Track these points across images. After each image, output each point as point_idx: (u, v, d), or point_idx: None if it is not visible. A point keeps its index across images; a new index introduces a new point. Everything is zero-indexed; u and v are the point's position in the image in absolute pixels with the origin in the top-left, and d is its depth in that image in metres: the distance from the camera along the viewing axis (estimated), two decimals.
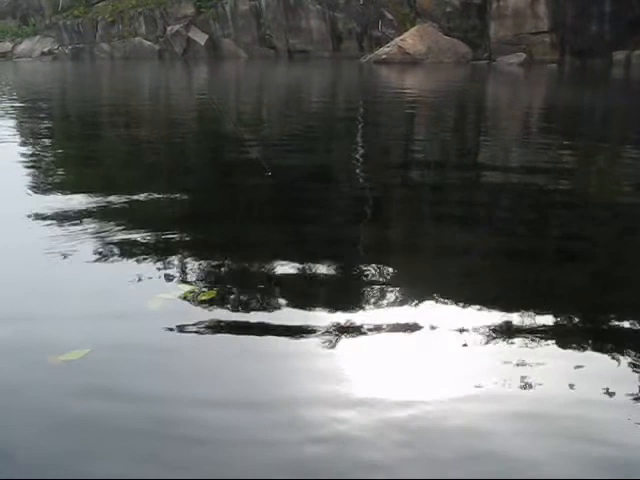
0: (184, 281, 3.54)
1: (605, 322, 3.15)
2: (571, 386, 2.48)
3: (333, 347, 2.80)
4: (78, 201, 5.25)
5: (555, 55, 28.44)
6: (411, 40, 29.45)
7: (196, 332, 2.94)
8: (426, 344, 2.83)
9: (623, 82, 21.36)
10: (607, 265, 3.95)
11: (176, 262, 3.84)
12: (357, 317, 3.07)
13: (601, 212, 5.13)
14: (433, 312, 3.13)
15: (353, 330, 2.94)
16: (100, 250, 4.04)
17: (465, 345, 2.79)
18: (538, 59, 28.05)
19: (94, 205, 5.14)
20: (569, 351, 2.77)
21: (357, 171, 6.74)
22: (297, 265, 3.80)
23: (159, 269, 3.74)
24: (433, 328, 2.94)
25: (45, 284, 3.58)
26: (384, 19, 31.99)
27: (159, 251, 4.04)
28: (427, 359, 2.71)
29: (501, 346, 2.79)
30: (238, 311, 3.20)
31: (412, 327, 2.96)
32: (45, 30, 45.12)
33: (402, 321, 3.02)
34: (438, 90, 17.60)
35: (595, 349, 2.79)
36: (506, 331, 2.92)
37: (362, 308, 3.20)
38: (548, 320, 3.06)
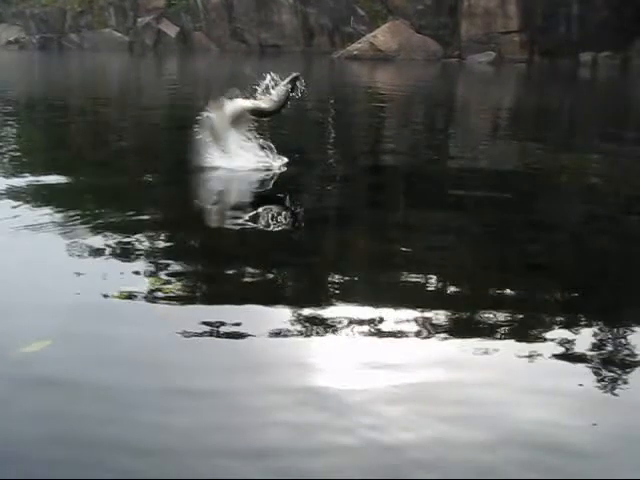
0: (149, 274, 3.55)
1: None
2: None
3: (298, 329, 2.88)
4: (42, 184, 5.26)
5: (524, 54, 28.77)
6: (382, 37, 29.55)
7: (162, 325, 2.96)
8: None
9: (589, 83, 21.70)
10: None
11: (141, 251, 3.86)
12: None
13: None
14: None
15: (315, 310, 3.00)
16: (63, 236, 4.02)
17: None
18: (507, 58, 28.35)
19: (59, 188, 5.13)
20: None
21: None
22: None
23: (124, 259, 3.75)
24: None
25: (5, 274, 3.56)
26: (356, 15, 32.04)
27: (123, 238, 4.05)
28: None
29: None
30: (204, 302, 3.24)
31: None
32: (12, 18, 44.23)
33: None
34: (408, 87, 17.71)
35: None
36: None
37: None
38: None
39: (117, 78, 21.68)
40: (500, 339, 2.89)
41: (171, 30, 36.88)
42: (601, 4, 27.04)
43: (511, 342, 2.88)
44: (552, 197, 5.70)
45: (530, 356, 2.73)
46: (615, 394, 2.47)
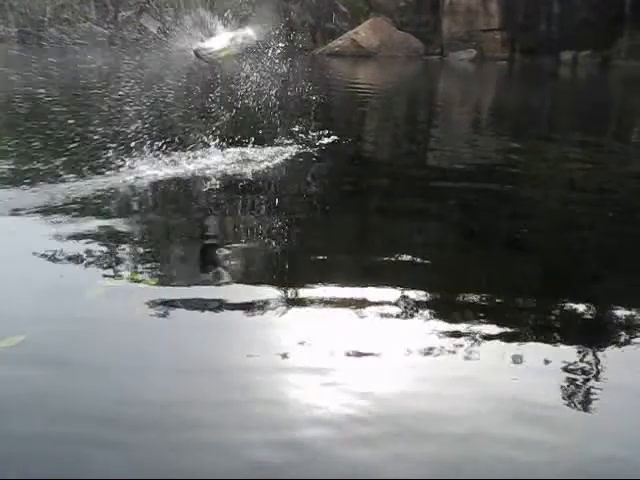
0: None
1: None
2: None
3: (280, 318, 2.92)
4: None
5: (505, 52, 28.87)
6: (364, 33, 29.52)
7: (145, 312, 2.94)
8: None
9: (569, 81, 21.85)
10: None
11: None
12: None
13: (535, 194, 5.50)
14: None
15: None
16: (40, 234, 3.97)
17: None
18: (489, 56, 28.44)
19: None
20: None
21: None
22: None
23: (104, 253, 3.71)
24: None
25: None
26: (338, 12, 31.99)
27: (102, 235, 4.00)
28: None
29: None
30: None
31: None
32: None
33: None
34: (390, 84, 17.71)
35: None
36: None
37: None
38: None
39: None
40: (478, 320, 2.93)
41: (152, 25, 36.61)
42: (581, 3, 27.19)
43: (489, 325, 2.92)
44: (532, 185, 5.92)
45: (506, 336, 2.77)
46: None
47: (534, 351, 2.73)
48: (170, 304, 3.03)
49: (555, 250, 4.16)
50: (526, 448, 2.10)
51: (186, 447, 2.04)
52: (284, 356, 2.60)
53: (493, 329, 2.90)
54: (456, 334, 2.81)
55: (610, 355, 2.75)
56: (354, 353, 2.63)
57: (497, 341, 2.80)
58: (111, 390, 2.35)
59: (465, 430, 2.17)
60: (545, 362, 2.63)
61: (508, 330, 2.92)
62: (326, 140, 6.95)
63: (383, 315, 2.97)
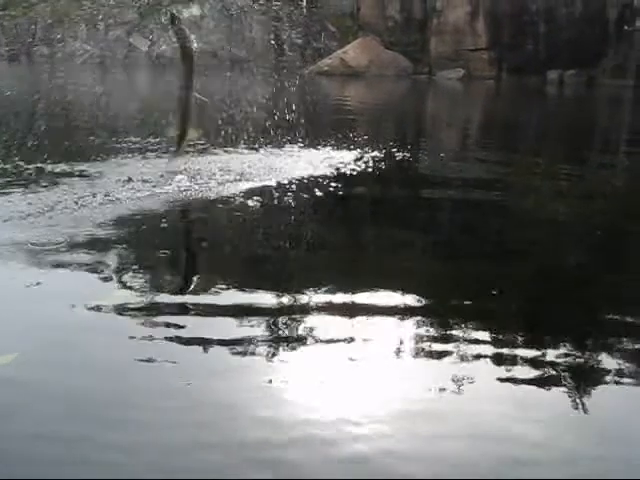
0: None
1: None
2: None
3: (275, 332, 2.96)
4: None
5: (492, 71, 29.20)
6: (353, 53, 29.79)
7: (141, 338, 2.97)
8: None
9: (555, 99, 22.10)
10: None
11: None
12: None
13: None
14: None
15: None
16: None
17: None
18: (476, 75, 28.75)
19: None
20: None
21: None
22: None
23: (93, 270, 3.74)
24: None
25: None
26: (327, 31, 32.29)
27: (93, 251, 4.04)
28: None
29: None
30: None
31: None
32: None
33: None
34: (378, 103, 17.86)
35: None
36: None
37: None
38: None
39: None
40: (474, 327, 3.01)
41: (142, 44, 36.79)
42: (567, 23, 27.61)
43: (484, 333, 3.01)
44: (523, 197, 6.21)
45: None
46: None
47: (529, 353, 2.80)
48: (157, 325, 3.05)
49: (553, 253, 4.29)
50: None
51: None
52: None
53: (481, 335, 2.96)
54: (444, 338, 2.88)
55: (605, 359, 2.84)
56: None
57: (488, 346, 2.88)
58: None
59: (464, 429, 2.24)
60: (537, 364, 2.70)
61: (496, 332, 2.98)
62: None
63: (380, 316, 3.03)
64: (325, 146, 7.73)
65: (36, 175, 5.77)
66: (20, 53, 40.40)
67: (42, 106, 12.91)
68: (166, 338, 2.88)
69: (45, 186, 5.34)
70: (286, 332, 2.97)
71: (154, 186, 5.37)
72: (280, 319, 3.10)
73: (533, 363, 2.75)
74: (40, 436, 2.19)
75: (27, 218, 4.47)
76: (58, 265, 3.75)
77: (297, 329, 2.99)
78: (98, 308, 3.20)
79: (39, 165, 6.07)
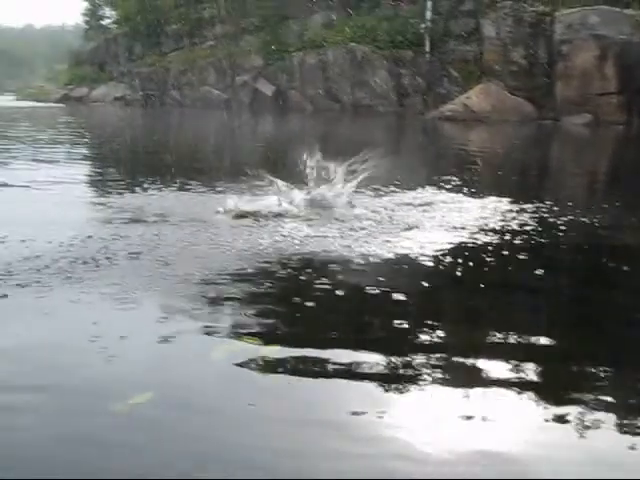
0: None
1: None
2: None
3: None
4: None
5: (622, 116, 28.12)
6: (476, 98, 29.56)
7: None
8: None
9: None
10: None
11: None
12: None
13: None
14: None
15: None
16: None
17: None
18: (604, 120, 27.76)
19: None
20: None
21: None
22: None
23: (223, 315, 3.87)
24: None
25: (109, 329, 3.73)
26: (449, 76, 32.29)
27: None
28: None
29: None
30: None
31: None
32: (120, 77, 47.06)
33: None
34: (504, 149, 17.63)
35: None
36: None
37: None
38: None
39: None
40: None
41: (267, 89, 38.11)
42: None
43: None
44: None
45: None
46: None
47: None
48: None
49: None
50: None
51: None
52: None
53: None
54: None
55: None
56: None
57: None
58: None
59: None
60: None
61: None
62: None
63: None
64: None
65: None
66: (154, 98, 42.91)
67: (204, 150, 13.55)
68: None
69: None
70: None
71: None
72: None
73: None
74: None
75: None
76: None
77: None
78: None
79: None
